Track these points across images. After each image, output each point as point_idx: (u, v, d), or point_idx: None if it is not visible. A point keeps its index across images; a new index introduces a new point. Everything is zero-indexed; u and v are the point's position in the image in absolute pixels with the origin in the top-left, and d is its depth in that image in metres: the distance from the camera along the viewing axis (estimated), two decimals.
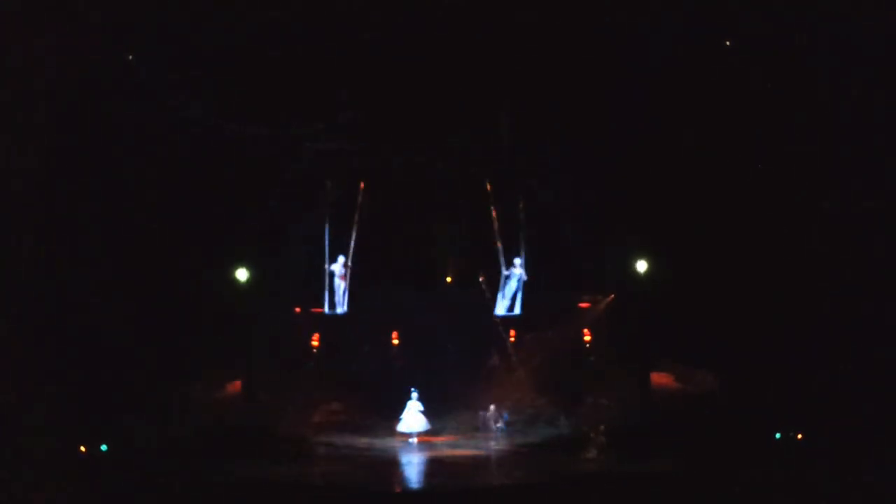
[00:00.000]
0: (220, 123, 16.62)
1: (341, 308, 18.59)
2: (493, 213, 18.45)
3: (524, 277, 18.37)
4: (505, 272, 18.49)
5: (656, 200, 18.09)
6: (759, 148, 17.02)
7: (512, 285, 18.47)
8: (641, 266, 18.96)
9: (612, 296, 20.68)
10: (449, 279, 21.27)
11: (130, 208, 17.05)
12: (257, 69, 16.21)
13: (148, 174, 17.05)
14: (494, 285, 19.09)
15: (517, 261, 18.38)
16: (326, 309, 18.55)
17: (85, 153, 16.25)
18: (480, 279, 20.46)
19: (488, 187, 18.61)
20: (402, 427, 19.38)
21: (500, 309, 18.75)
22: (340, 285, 18.51)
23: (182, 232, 17.64)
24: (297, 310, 20.85)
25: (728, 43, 16.16)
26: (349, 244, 18.35)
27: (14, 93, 14.60)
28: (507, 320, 19.64)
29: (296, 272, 19.22)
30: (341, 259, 18.45)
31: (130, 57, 16.04)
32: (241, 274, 18.67)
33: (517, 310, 18.62)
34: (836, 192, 16.46)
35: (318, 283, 18.42)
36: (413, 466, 17.22)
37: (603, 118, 17.07)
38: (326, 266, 18.30)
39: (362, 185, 18.47)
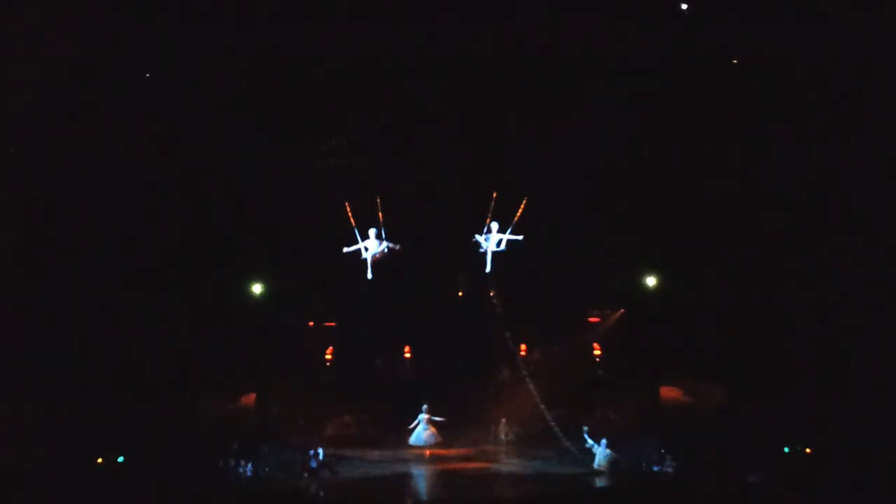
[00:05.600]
0: (237, 139, 16.79)
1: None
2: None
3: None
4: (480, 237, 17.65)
5: (665, 214, 18.18)
6: (767, 162, 17.10)
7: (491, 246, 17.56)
8: (651, 280, 19.05)
9: (622, 310, 20.80)
10: (460, 293, 21.34)
11: (147, 220, 17.22)
12: (275, 87, 16.41)
13: (166, 187, 17.24)
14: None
15: (494, 225, 17.54)
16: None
17: (105, 165, 16.47)
18: (492, 293, 20.52)
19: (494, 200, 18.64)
20: (413, 440, 19.51)
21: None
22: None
23: (198, 245, 17.83)
24: (311, 324, 21.08)
25: (735, 61, 16.26)
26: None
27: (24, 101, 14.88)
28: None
29: (310, 286, 19.35)
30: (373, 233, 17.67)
31: (147, 74, 16.26)
32: (257, 287, 18.88)
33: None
34: (847, 204, 16.50)
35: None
36: (424, 480, 17.35)
37: (611, 130, 17.14)
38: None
39: (378, 200, 18.54)
